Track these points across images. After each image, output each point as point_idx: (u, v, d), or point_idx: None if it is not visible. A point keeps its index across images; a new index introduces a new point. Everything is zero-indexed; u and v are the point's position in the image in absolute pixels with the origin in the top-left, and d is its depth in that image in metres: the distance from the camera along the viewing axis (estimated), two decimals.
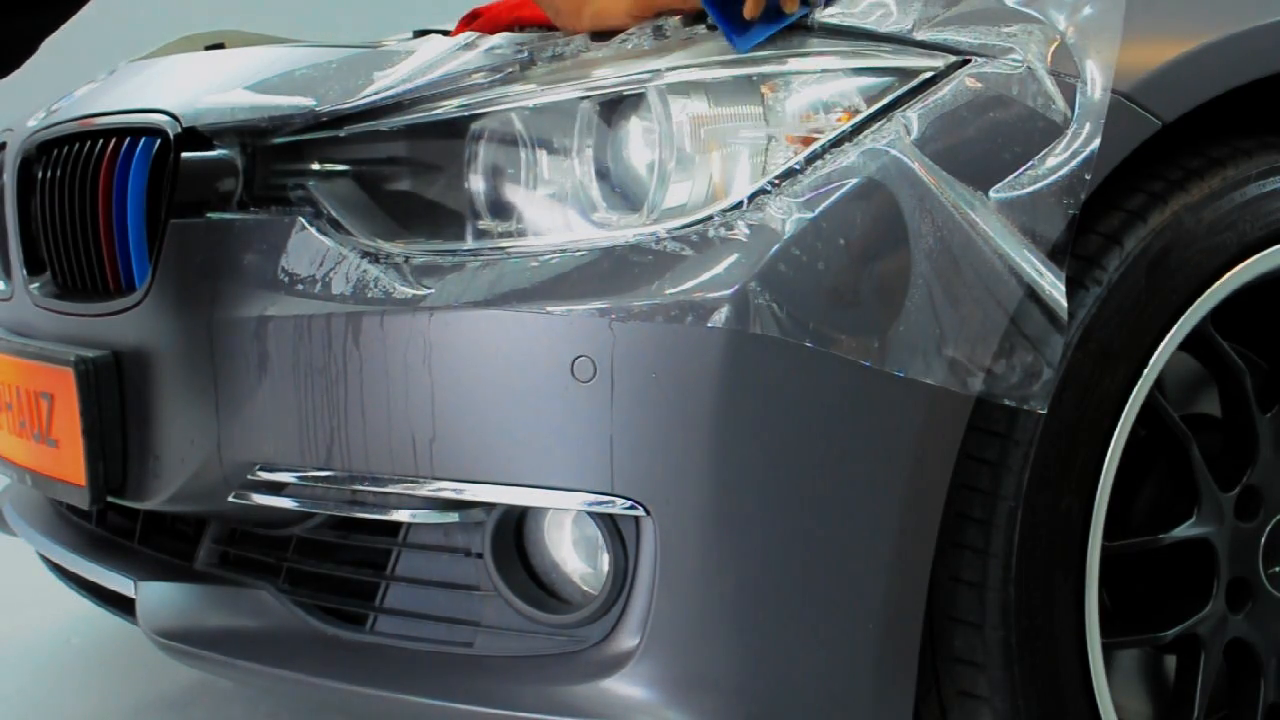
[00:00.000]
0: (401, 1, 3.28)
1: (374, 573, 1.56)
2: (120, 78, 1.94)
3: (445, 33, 1.83)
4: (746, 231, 1.34)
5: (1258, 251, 1.56)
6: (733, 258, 1.33)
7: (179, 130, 1.63)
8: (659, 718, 1.37)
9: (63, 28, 1.58)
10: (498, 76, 1.52)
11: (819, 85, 1.42)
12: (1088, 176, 1.40)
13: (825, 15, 1.46)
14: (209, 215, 1.58)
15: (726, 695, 1.37)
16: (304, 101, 1.58)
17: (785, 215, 1.35)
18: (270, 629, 1.60)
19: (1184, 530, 1.58)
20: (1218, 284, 1.53)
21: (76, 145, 1.76)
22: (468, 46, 1.62)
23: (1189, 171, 1.53)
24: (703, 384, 1.32)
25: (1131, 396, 1.48)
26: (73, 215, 1.75)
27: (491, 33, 1.72)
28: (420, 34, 1.98)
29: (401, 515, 1.48)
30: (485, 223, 1.47)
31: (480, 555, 1.47)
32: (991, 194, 1.39)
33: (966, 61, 1.43)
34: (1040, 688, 1.46)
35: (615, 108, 1.44)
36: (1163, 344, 1.50)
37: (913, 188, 1.36)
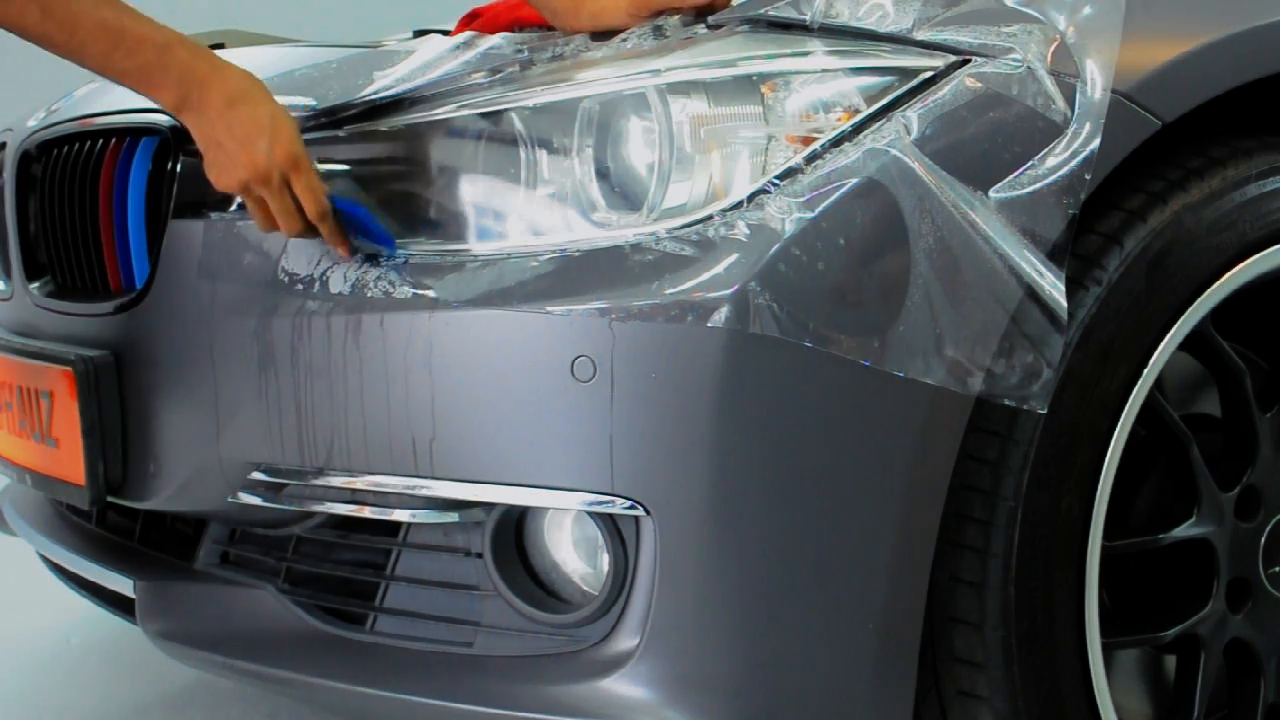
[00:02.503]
0: (401, 1, 3.28)
1: (374, 573, 1.56)
2: None
3: (445, 33, 1.83)
4: (746, 231, 1.34)
5: (1258, 251, 1.56)
6: (733, 257, 1.33)
7: (179, 130, 1.63)
8: (659, 718, 1.37)
9: None
10: (498, 76, 1.52)
11: (819, 85, 1.42)
12: (1088, 176, 1.40)
13: (826, 15, 1.46)
14: (209, 215, 1.58)
15: (726, 695, 1.37)
16: (304, 101, 1.58)
17: (785, 215, 1.35)
18: (270, 629, 1.60)
19: (1184, 530, 1.58)
20: (1218, 284, 1.53)
21: (76, 145, 1.77)
22: (467, 46, 1.62)
23: (1189, 171, 1.53)
24: (703, 384, 1.32)
25: (1131, 396, 1.48)
26: (73, 215, 1.75)
27: (491, 33, 1.72)
28: (420, 34, 1.98)
29: (401, 515, 1.48)
30: (486, 222, 1.47)
31: (480, 555, 1.47)
32: (991, 194, 1.39)
33: (966, 61, 1.43)
34: (1040, 688, 1.46)
35: (615, 108, 1.44)
36: (1163, 344, 1.50)
37: (913, 187, 1.36)
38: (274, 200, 1.46)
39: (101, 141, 1.72)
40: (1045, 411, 1.40)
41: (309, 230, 1.48)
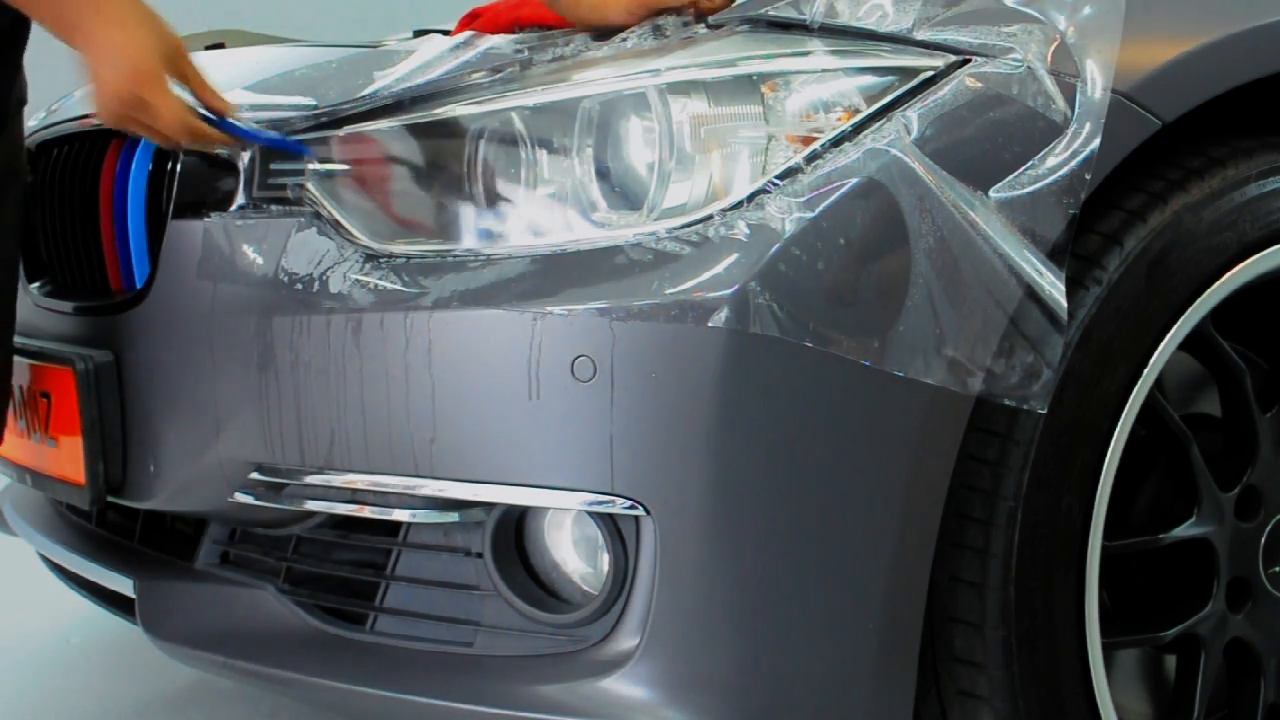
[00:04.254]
0: (401, 1, 3.28)
1: (374, 573, 1.56)
2: None
3: (445, 33, 1.83)
4: (746, 231, 1.34)
5: (1258, 251, 1.56)
6: (733, 257, 1.33)
7: None
8: (659, 717, 1.37)
9: None
10: (498, 76, 1.52)
11: (819, 85, 1.42)
12: (1088, 176, 1.40)
13: (826, 15, 1.46)
14: (209, 215, 1.58)
15: (726, 695, 1.37)
16: (304, 101, 1.58)
17: (785, 215, 1.35)
18: (270, 629, 1.60)
19: (1184, 530, 1.58)
20: (1218, 284, 1.53)
21: (76, 145, 1.77)
22: (467, 46, 1.62)
23: (1189, 171, 1.53)
24: (703, 384, 1.32)
25: (1131, 396, 1.48)
26: (73, 215, 1.75)
27: (491, 33, 1.72)
28: (420, 34, 1.98)
29: (401, 515, 1.48)
30: (486, 222, 1.47)
31: (480, 555, 1.47)
32: (991, 194, 1.39)
33: (966, 61, 1.43)
34: (1040, 688, 1.46)
35: (615, 108, 1.44)
36: (1163, 344, 1.50)
37: (913, 187, 1.36)
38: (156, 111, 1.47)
39: (101, 141, 1.72)
40: (1045, 411, 1.40)
41: (201, 133, 1.51)
